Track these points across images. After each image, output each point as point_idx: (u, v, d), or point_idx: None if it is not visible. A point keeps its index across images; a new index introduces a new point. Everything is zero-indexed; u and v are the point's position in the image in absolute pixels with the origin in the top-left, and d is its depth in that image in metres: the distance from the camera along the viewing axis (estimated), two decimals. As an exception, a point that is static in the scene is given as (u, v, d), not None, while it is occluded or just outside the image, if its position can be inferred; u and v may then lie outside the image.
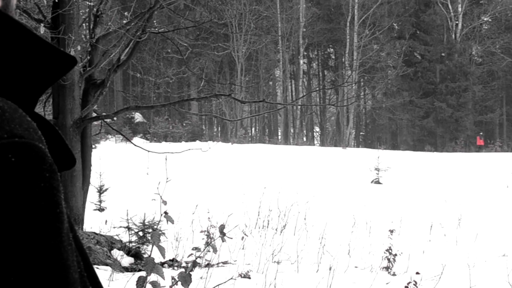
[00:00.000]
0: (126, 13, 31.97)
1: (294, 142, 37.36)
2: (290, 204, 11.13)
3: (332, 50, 47.08)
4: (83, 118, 8.00)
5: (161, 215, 3.22)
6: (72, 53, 6.50)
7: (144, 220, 7.63)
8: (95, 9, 8.53)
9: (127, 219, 7.50)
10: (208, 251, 7.39)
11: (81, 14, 9.75)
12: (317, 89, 40.34)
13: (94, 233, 7.21)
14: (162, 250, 3.22)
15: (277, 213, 10.52)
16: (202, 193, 13.70)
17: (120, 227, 7.79)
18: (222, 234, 3.57)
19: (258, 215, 10.34)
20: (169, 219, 3.25)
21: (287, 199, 11.99)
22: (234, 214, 10.70)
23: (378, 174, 17.48)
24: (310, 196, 13.30)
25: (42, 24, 6.27)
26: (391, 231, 7.94)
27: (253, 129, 45.84)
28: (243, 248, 8.29)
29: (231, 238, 4.34)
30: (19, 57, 0.92)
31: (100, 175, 12.22)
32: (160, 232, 7.67)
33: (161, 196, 3.14)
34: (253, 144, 32.76)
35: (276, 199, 11.62)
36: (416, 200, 13.92)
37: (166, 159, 4.10)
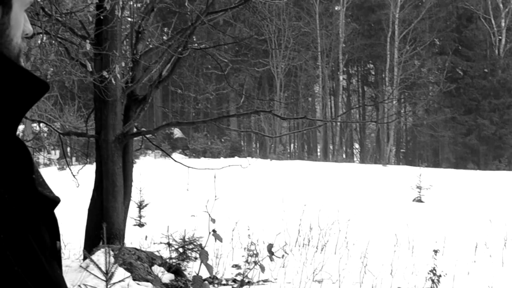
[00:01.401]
0: (165, 29, 32.37)
1: (334, 159, 37.07)
2: (330, 222, 10.98)
3: (372, 66, 46.74)
4: (125, 133, 8.05)
5: (209, 233, 3.16)
6: (117, 69, 6.54)
7: (184, 237, 7.60)
8: (137, 26, 8.61)
9: (168, 235, 7.48)
10: (248, 268, 7.30)
11: (123, 30, 9.84)
12: (358, 106, 40.01)
13: (135, 248, 7.20)
14: (210, 269, 3.17)
15: (317, 231, 10.38)
16: (241, 209, 13.63)
17: (161, 243, 7.77)
18: (271, 253, 3.49)
19: (299, 232, 10.21)
20: (217, 237, 3.19)
21: (328, 217, 11.83)
22: (274, 231, 10.59)
23: (420, 192, 17.15)
24: (351, 214, 13.10)
25: (87, 41, 6.33)
26: (435, 251, 7.73)
27: (292, 145, 45.70)
28: (283, 266, 8.18)
29: (280, 258, 4.25)
30: None
31: (140, 191, 12.28)
32: (200, 248, 7.62)
33: (209, 214, 3.08)
34: (292, 160, 32.62)
35: (316, 217, 11.47)
36: (459, 220, 13.58)
37: (215, 177, 4.04)
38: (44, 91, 1.03)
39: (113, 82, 7.16)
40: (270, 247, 3.51)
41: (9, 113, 1.00)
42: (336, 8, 41.11)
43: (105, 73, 6.79)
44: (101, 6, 6.53)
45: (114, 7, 6.28)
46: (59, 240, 1.19)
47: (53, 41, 7.08)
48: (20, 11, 1.06)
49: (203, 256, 3.13)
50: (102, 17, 6.75)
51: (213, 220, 3.11)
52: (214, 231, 3.13)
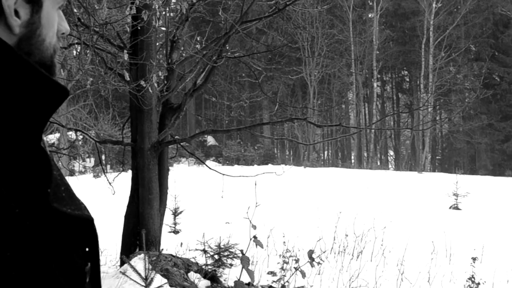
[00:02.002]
0: (198, 38, 32.64)
1: (368, 166, 36.78)
2: (366, 229, 10.90)
3: (406, 72, 46.31)
4: (160, 141, 8.14)
5: (250, 239, 3.18)
6: (154, 78, 6.63)
7: (219, 244, 7.63)
8: (171, 35, 8.71)
9: (203, 242, 7.53)
10: (284, 275, 7.30)
11: (157, 39, 9.98)
12: (393, 113, 39.63)
13: (171, 255, 7.26)
14: (251, 274, 3.19)
15: (353, 238, 10.31)
16: (276, 216, 13.63)
17: (196, 249, 7.82)
18: (311, 259, 3.49)
19: (334, 239, 10.16)
20: (258, 243, 3.22)
21: (363, 224, 11.75)
22: (309, 238, 10.57)
23: (456, 199, 16.90)
24: (387, 221, 12.98)
25: (125, 51, 6.43)
26: (474, 259, 7.61)
27: (325, 152, 45.51)
28: (319, 273, 8.15)
29: (319, 264, 4.25)
30: (17, 90, 0.93)
31: (175, 198, 12.38)
32: (235, 255, 7.65)
33: (250, 221, 3.11)
34: (326, 168, 32.48)
35: (352, 224, 11.41)
36: (498, 227, 13.34)
37: (255, 184, 4.06)
38: (64, 97, 0.99)
39: (150, 91, 7.25)
40: (310, 253, 3.51)
41: (30, 120, 0.95)
42: (369, 15, 40.92)
43: (142, 82, 6.89)
44: (137, 17, 6.64)
45: (151, 18, 6.38)
46: (92, 260, 1.10)
47: (89, 51, 7.21)
48: (53, 10, 1.03)
49: (245, 262, 3.15)
50: (139, 27, 6.85)
51: (254, 227, 3.13)
52: (255, 237, 3.15)
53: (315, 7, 24.14)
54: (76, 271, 1.01)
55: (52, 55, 1.05)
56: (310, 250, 3.49)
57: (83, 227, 1.04)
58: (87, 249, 1.09)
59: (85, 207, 1.10)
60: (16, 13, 0.97)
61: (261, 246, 3.20)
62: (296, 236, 10.85)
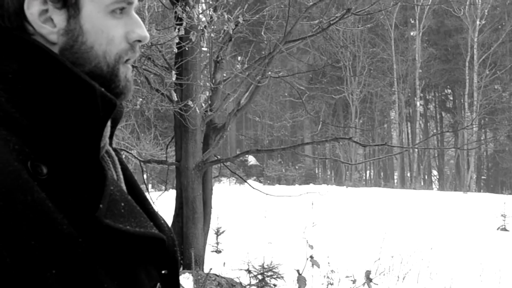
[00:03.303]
0: (239, 58, 32.89)
1: (412, 186, 36.24)
2: (412, 250, 10.70)
3: (450, 91, 45.64)
4: (204, 161, 8.18)
5: (307, 259, 3.15)
6: (202, 98, 6.69)
7: (263, 264, 7.59)
8: (215, 55, 8.79)
9: (247, 262, 7.50)
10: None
11: (201, 60, 10.07)
12: (437, 132, 39.04)
13: (215, 274, 7.26)
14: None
15: (398, 259, 10.13)
16: (319, 236, 13.50)
17: (240, 269, 7.78)
18: (369, 280, 3.43)
19: (379, 260, 10.00)
20: (314, 263, 3.18)
21: (409, 245, 11.54)
22: (353, 259, 10.43)
23: (504, 220, 16.45)
24: (432, 242, 12.72)
25: (173, 72, 6.52)
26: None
27: (368, 172, 45.05)
28: (364, 296, 8.00)
29: (377, 284, 4.17)
30: (60, 100, 0.90)
31: (217, 217, 12.40)
32: (279, 275, 7.59)
33: (307, 241, 3.08)
34: (368, 188, 32.13)
35: (397, 245, 11.22)
36: (549, 249, 12.92)
37: (312, 204, 4.03)
38: (112, 108, 0.93)
39: (197, 111, 7.31)
40: (368, 273, 3.45)
41: (78, 132, 0.91)
42: (412, 34, 40.57)
43: (190, 103, 6.96)
44: (183, 38, 6.73)
45: (198, 39, 6.46)
46: (169, 282, 1.06)
47: (134, 72, 7.32)
48: (100, 14, 0.95)
49: (301, 282, 3.12)
50: (187, 48, 6.93)
51: (311, 247, 3.10)
52: (311, 257, 3.11)
53: (356, 26, 24.08)
54: None
55: (110, 63, 0.97)
56: (368, 270, 3.43)
57: (149, 245, 0.98)
58: (164, 271, 1.05)
59: (158, 224, 1.06)
60: (51, 20, 0.93)
61: (318, 266, 3.16)
62: (340, 256, 10.72)
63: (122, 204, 0.96)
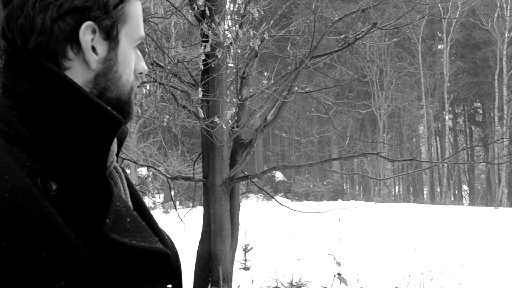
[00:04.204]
0: (266, 73, 32.98)
1: (441, 201, 35.72)
2: (443, 267, 10.50)
3: (479, 104, 45.06)
4: (232, 177, 8.16)
5: (334, 276, 3.09)
6: (228, 115, 6.69)
7: (291, 280, 7.52)
8: (241, 71, 8.80)
9: (276, 279, 7.43)
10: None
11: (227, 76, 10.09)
12: (467, 147, 38.51)
13: (243, 292, 7.20)
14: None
15: (429, 276, 9.95)
16: (347, 253, 13.36)
17: (269, 286, 7.72)
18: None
19: (409, 277, 9.83)
20: (342, 280, 3.12)
21: (439, 262, 11.33)
22: (382, 275, 10.27)
23: (538, 236, 16.09)
24: (463, 258, 12.47)
25: (200, 88, 6.53)
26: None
27: (396, 187, 44.57)
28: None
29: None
30: (71, 118, 0.97)
31: (245, 234, 12.34)
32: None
33: (334, 257, 3.02)
34: (397, 203, 31.76)
35: (427, 261, 11.02)
36: None
37: (339, 220, 3.97)
38: (117, 125, 1.01)
39: (224, 127, 7.31)
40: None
41: (88, 149, 0.98)
42: (439, 47, 40.25)
43: (216, 119, 6.95)
44: (209, 54, 6.74)
45: (224, 55, 6.46)
46: None
47: (160, 89, 7.36)
48: (129, 48, 1.07)
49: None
50: (213, 65, 6.94)
51: (338, 263, 3.04)
52: (339, 274, 3.05)
53: (383, 40, 23.97)
54: None
55: (129, 92, 1.08)
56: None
57: (154, 260, 1.03)
58: (169, 286, 1.09)
59: (162, 239, 1.11)
60: (94, 49, 1.01)
61: (346, 283, 3.10)
62: (369, 272, 10.57)
63: (128, 219, 1.01)
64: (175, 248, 1.15)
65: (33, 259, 0.86)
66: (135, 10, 1.07)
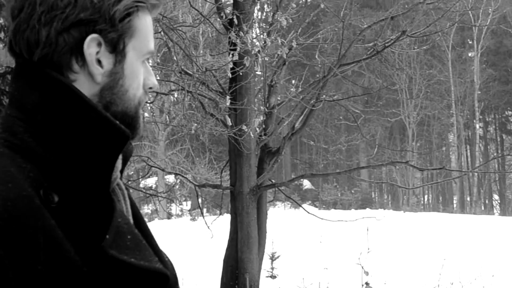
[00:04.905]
0: (293, 81, 32.95)
1: (472, 211, 35.20)
2: (472, 277, 10.33)
3: (510, 113, 44.39)
4: (259, 185, 8.15)
5: (363, 285, 3.06)
6: (256, 123, 6.70)
7: (318, 290, 7.47)
8: (269, 80, 8.81)
9: (303, 288, 7.39)
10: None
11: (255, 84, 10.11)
12: (498, 156, 37.94)
13: (270, 301, 7.17)
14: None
15: (458, 286, 9.80)
16: (375, 262, 13.23)
17: (296, 296, 7.68)
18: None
19: (438, 287, 9.70)
20: (368, 295, 3.08)
21: (469, 272, 11.15)
22: (411, 285, 10.14)
23: None
24: (494, 269, 12.25)
25: (228, 97, 6.56)
26: None
27: (425, 196, 44.06)
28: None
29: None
30: (77, 131, 0.97)
31: (272, 242, 12.31)
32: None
33: (362, 267, 2.99)
34: (426, 212, 31.38)
35: (456, 271, 10.86)
36: None
37: (367, 229, 3.94)
38: (125, 140, 1.00)
39: (252, 135, 7.32)
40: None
41: (93, 164, 0.97)
42: (469, 55, 39.77)
43: (244, 127, 6.97)
44: (237, 62, 6.76)
45: (252, 63, 6.48)
46: None
47: (188, 97, 7.40)
48: (137, 62, 1.06)
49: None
50: (241, 73, 6.97)
51: (367, 273, 3.01)
52: (367, 283, 3.02)
53: (412, 48, 23.78)
54: None
55: (136, 106, 1.06)
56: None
57: (153, 280, 1.00)
58: None
59: (162, 260, 1.08)
60: (100, 62, 1.01)
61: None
62: (398, 282, 10.45)
63: (129, 236, 0.99)
64: (174, 270, 1.12)
65: (29, 271, 0.85)
66: (143, 23, 1.06)
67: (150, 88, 1.10)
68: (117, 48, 1.02)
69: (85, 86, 1.00)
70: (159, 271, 1.01)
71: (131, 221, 1.09)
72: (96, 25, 0.99)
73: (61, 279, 0.88)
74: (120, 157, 1.07)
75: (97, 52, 1.00)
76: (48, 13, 0.97)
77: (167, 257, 1.14)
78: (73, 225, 0.92)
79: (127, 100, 1.04)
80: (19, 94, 0.99)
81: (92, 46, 0.99)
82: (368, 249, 3.47)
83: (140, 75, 1.07)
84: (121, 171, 1.11)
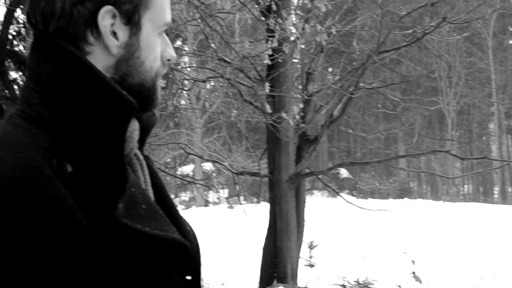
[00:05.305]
0: (330, 69, 32.66)
1: (513, 201, 34.54)
2: (516, 270, 10.14)
3: (553, 101, 43.27)
4: (297, 173, 8.12)
5: (410, 274, 3.01)
6: (296, 110, 6.66)
7: (358, 279, 7.42)
8: (307, 67, 8.74)
9: (342, 277, 7.35)
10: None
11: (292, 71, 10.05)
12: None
13: (309, 289, 7.15)
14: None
15: (501, 277, 9.62)
16: (415, 252, 13.09)
17: (335, 284, 7.65)
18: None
19: (481, 279, 9.54)
20: (417, 279, 3.04)
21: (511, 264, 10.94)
22: (451, 277, 10.00)
23: None
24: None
25: (267, 84, 6.53)
26: None
27: (465, 186, 43.37)
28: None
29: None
30: (88, 101, 0.97)
31: (310, 231, 12.28)
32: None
33: (409, 256, 2.94)
34: (466, 203, 30.88)
35: (499, 263, 10.66)
36: None
37: (408, 218, 3.87)
38: (131, 110, 0.99)
39: (291, 122, 7.28)
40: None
41: (105, 133, 0.97)
42: (510, 42, 38.86)
43: (284, 115, 6.93)
44: (276, 49, 6.71)
45: (291, 50, 6.43)
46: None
47: (225, 84, 7.40)
48: (153, 34, 1.05)
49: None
50: (280, 60, 6.92)
51: (413, 262, 2.96)
52: (413, 272, 2.97)
53: (452, 35, 23.33)
54: None
55: (153, 78, 1.06)
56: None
57: (170, 249, 1.00)
58: (188, 277, 1.06)
59: (182, 229, 1.08)
60: (115, 34, 1.00)
61: (420, 282, 3.01)
62: (438, 273, 10.31)
63: (143, 206, 0.98)
64: (196, 240, 1.12)
65: (38, 238, 0.86)
66: None
67: (168, 60, 1.10)
68: (132, 20, 1.02)
69: (101, 58, 1.01)
70: (176, 240, 1.00)
71: (150, 191, 1.09)
72: None
73: (73, 248, 0.88)
74: (137, 127, 1.07)
75: (112, 24, 1.00)
76: None
77: (189, 227, 1.14)
78: (87, 194, 0.93)
79: (144, 72, 1.04)
80: (36, 66, 1.01)
81: (106, 18, 0.99)
82: (409, 239, 3.41)
83: (157, 47, 1.06)
84: (143, 142, 1.13)
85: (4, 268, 0.84)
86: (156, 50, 1.06)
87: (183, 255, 1.02)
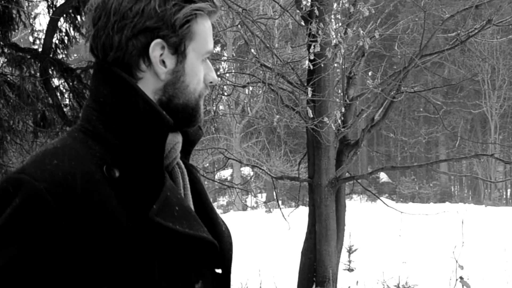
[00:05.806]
0: (370, 73, 32.39)
1: (558, 206, 33.65)
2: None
3: None
4: (338, 178, 8.11)
5: (456, 280, 3.02)
6: (338, 115, 6.67)
7: (398, 283, 7.37)
8: (348, 71, 8.72)
9: (382, 281, 7.31)
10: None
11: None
12: None
13: (349, 294, 7.14)
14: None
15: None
16: (456, 257, 12.88)
17: (375, 289, 7.61)
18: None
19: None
20: (465, 284, 3.03)
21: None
22: (495, 281, 9.83)
23: None
24: None
25: (309, 89, 6.56)
26: None
27: (508, 191, 42.45)
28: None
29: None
30: (134, 118, 1.14)
31: (350, 235, 12.22)
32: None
33: (457, 260, 2.94)
34: (509, 207, 30.24)
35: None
36: None
37: (462, 222, 3.87)
38: (167, 127, 1.15)
39: (333, 127, 7.28)
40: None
41: (148, 146, 1.14)
42: (557, 43, 37.90)
43: (326, 119, 6.94)
44: (318, 54, 6.73)
45: (333, 55, 6.43)
46: (221, 283, 1.23)
47: (265, 89, 7.43)
48: (197, 61, 1.22)
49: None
50: (322, 65, 6.94)
51: (461, 267, 2.95)
52: (461, 278, 2.97)
53: (495, 37, 22.93)
54: (182, 284, 1.13)
55: (197, 99, 1.23)
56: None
57: (199, 246, 1.15)
58: (218, 271, 1.22)
59: (217, 231, 1.24)
60: (163, 62, 1.18)
61: (468, 287, 3.00)
62: (482, 279, 10.15)
63: (177, 208, 1.14)
64: (230, 239, 1.28)
65: (83, 233, 1.04)
66: (202, 28, 1.21)
67: (211, 82, 1.26)
68: (178, 50, 1.18)
69: (151, 82, 1.18)
70: (204, 238, 1.15)
71: (189, 196, 1.26)
72: (160, 32, 1.16)
73: (113, 240, 1.05)
74: (180, 140, 1.24)
75: (161, 54, 1.17)
76: (119, 22, 1.14)
77: (225, 227, 1.30)
78: (130, 196, 1.10)
79: (188, 94, 1.20)
80: (95, 88, 1.19)
81: (156, 49, 1.16)
82: (463, 243, 3.40)
83: (200, 72, 1.22)
84: (189, 152, 1.31)
85: (58, 258, 1.03)
86: (199, 75, 1.22)
87: (212, 252, 1.18)
